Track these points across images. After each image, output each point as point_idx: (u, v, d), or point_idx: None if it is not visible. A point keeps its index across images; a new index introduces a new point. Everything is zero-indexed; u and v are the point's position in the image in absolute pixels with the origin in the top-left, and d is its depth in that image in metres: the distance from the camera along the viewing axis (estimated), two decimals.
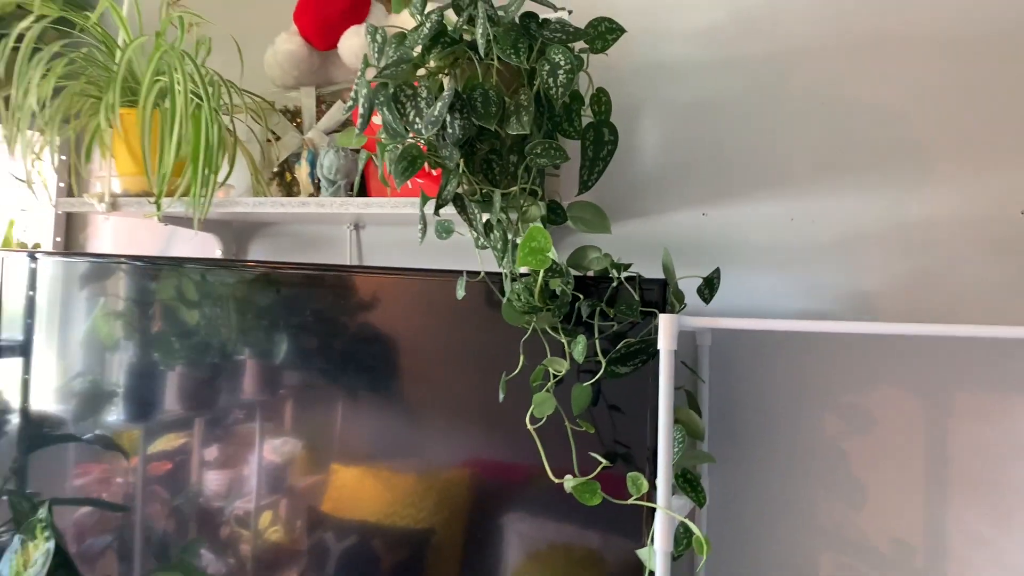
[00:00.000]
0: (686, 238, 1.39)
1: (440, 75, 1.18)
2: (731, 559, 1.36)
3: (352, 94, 1.17)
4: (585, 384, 1.18)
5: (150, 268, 1.48)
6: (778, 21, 1.37)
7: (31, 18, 1.33)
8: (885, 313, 1.30)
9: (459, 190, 1.14)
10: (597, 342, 1.16)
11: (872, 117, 1.32)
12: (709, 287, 1.21)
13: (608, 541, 1.20)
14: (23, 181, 1.45)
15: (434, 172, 1.31)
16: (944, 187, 1.27)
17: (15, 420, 1.62)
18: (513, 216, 1.11)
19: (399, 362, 1.33)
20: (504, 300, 1.13)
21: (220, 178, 1.38)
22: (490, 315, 1.25)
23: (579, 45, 1.27)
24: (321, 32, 1.44)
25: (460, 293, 1.21)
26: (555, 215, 1.15)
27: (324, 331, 1.38)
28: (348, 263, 1.62)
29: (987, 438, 1.24)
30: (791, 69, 1.36)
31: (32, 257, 1.60)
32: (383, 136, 1.16)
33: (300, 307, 1.40)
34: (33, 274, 1.59)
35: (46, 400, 1.60)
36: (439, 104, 1.06)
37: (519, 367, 1.20)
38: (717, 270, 1.21)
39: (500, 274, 1.19)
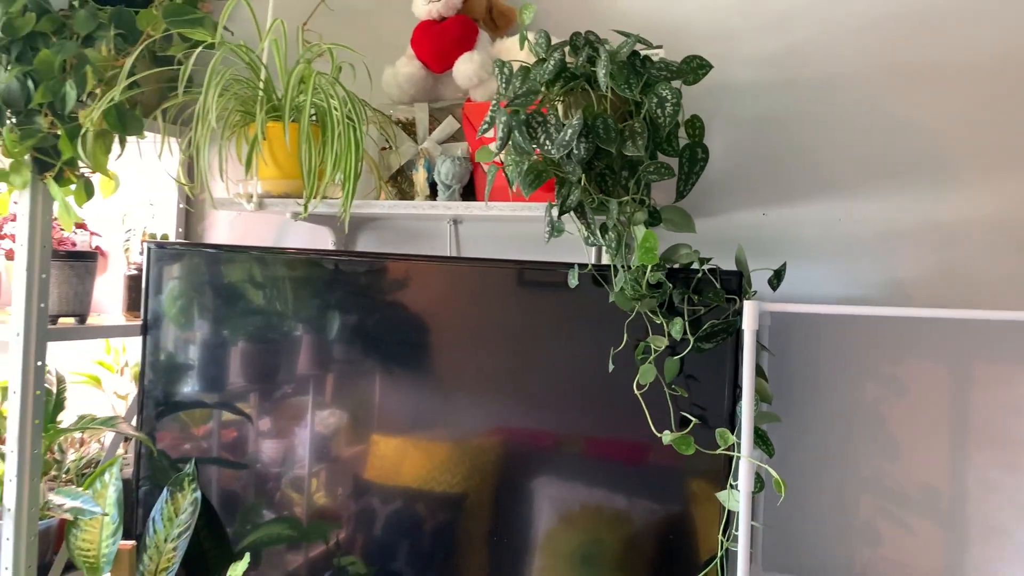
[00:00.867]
0: (749, 234, 1.65)
1: (556, 102, 1.43)
2: (786, 503, 1.63)
3: (487, 118, 1.41)
4: (675, 357, 1.44)
5: (304, 258, 1.73)
6: (827, 49, 1.62)
7: (200, 45, 1.58)
8: (917, 299, 1.56)
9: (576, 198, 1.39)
10: (687, 323, 1.42)
11: (907, 132, 1.57)
12: (778, 277, 1.46)
13: (687, 491, 1.47)
14: (183, 183, 1.69)
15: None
16: (969, 192, 1.53)
17: (170, 387, 1.87)
18: (623, 220, 1.36)
19: (517, 339, 1.58)
20: (616, 289, 1.38)
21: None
22: (580, 302, 1.51)
23: None
24: (437, 58, 1.67)
25: (573, 282, 1.46)
26: (653, 218, 1.40)
27: (459, 317, 1.64)
28: (448, 254, 1.87)
29: (1001, 402, 1.51)
30: (838, 90, 1.61)
31: (174, 246, 1.84)
32: (510, 154, 1.40)
33: (428, 293, 1.65)
34: (180, 260, 1.84)
35: (186, 372, 1.84)
36: (569, 131, 1.30)
37: (623, 343, 1.46)
38: (784, 264, 1.47)
39: (596, 265, 1.44)
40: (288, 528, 1.75)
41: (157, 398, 1.86)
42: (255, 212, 1.84)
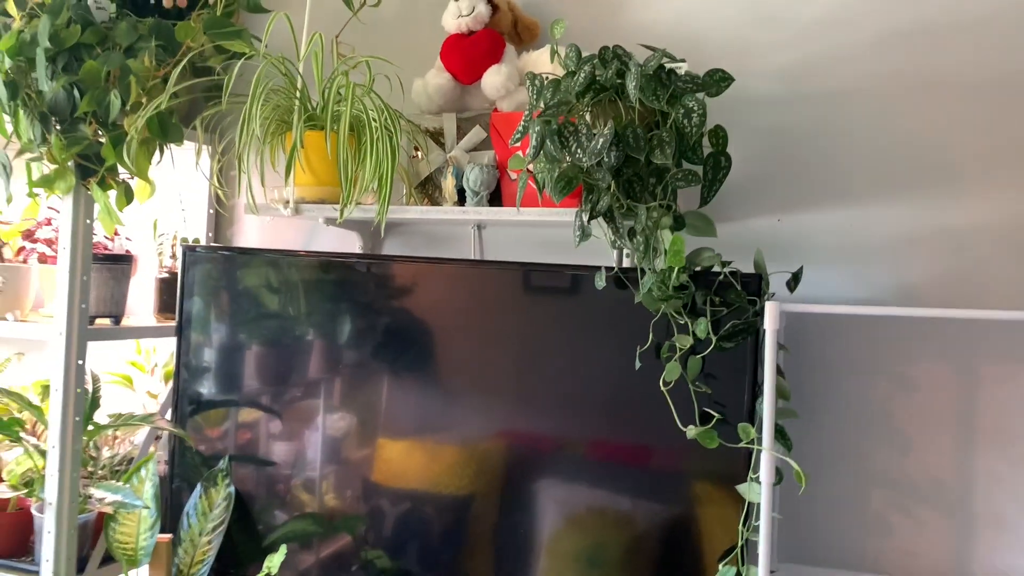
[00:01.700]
0: (765, 239, 1.72)
1: (585, 112, 1.50)
2: (801, 496, 1.70)
3: (520, 127, 1.49)
4: (698, 356, 1.51)
5: (343, 262, 1.80)
6: (839, 64, 1.70)
7: (242, 57, 1.65)
8: (927, 302, 1.64)
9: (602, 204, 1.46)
10: (709, 323, 1.49)
11: (917, 142, 1.65)
12: (795, 280, 1.54)
13: (708, 485, 1.54)
14: (219, 188, 1.76)
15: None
16: (975, 201, 1.61)
17: (204, 387, 1.93)
18: (650, 224, 1.43)
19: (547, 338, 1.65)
20: (644, 290, 1.46)
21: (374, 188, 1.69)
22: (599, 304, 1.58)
23: None
24: (466, 70, 1.75)
25: (600, 283, 1.53)
26: (678, 223, 1.48)
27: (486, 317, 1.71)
28: (472, 257, 1.94)
29: (1007, 398, 1.59)
30: (850, 103, 1.69)
31: (212, 249, 1.91)
32: (541, 162, 1.48)
33: (460, 294, 1.72)
34: (221, 264, 1.90)
35: (219, 372, 1.90)
36: (600, 140, 1.38)
37: (648, 342, 1.53)
38: (801, 268, 1.55)
39: (620, 268, 1.52)
40: (315, 524, 1.81)
41: (191, 397, 1.92)
42: (285, 218, 1.91)
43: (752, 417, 1.51)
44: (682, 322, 1.49)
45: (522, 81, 1.73)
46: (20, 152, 1.72)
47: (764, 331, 1.42)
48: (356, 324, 1.78)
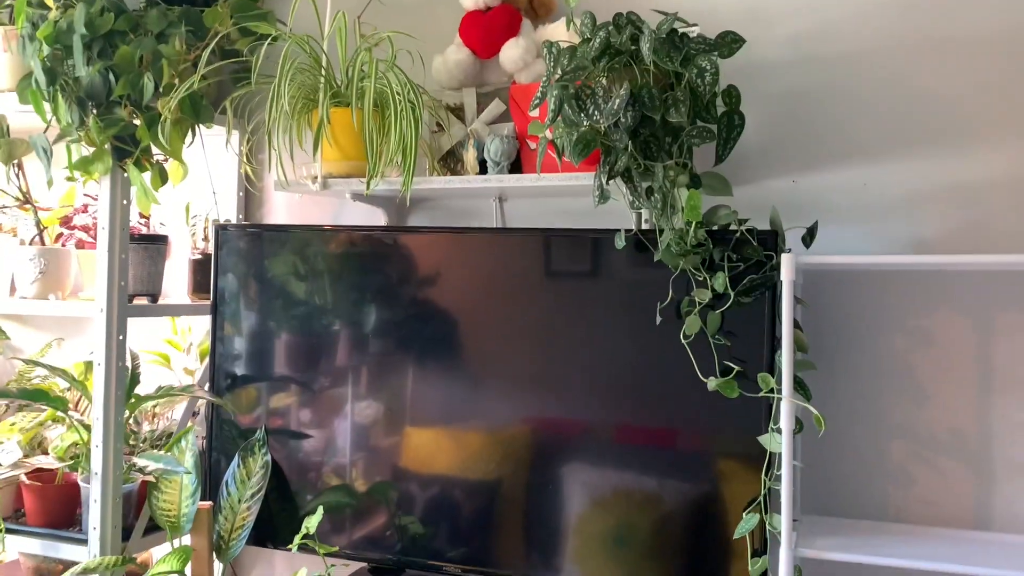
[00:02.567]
0: (780, 200, 1.76)
1: (601, 77, 1.55)
2: (821, 449, 1.74)
3: (538, 94, 1.54)
4: (717, 311, 1.55)
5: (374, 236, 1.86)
6: (851, 26, 1.74)
7: (266, 39, 1.71)
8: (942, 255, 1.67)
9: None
10: (727, 278, 1.53)
11: (929, 101, 1.69)
12: (810, 235, 1.58)
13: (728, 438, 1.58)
14: (249, 166, 1.82)
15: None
16: (988, 156, 1.65)
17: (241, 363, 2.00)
18: (667, 183, 1.48)
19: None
20: (663, 247, 1.50)
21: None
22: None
23: None
24: (485, 45, 1.80)
25: (620, 244, 1.58)
26: (694, 182, 1.52)
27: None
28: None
29: (1023, 347, 1.62)
30: (863, 64, 1.73)
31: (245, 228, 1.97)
32: (560, 127, 1.53)
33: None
34: (253, 242, 1.97)
35: (253, 347, 1.97)
36: (617, 101, 1.43)
37: (668, 299, 1.58)
38: (816, 223, 1.59)
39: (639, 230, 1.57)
40: (348, 496, 1.87)
41: (226, 372, 1.98)
42: (312, 195, 1.97)
43: (772, 370, 1.55)
44: (700, 278, 1.54)
45: (539, 54, 1.78)
46: (60, 136, 1.79)
47: (781, 284, 1.47)
48: (385, 296, 1.84)
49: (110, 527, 1.80)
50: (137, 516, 1.91)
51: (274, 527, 1.92)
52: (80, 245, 2.11)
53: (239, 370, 1.97)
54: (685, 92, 1.43)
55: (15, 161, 1.97)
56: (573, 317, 1.70)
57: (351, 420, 1.87)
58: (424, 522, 1.82)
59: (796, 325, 1.65)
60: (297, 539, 1.71)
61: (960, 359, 1.66)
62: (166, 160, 1.87)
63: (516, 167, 1.83)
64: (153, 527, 1.91)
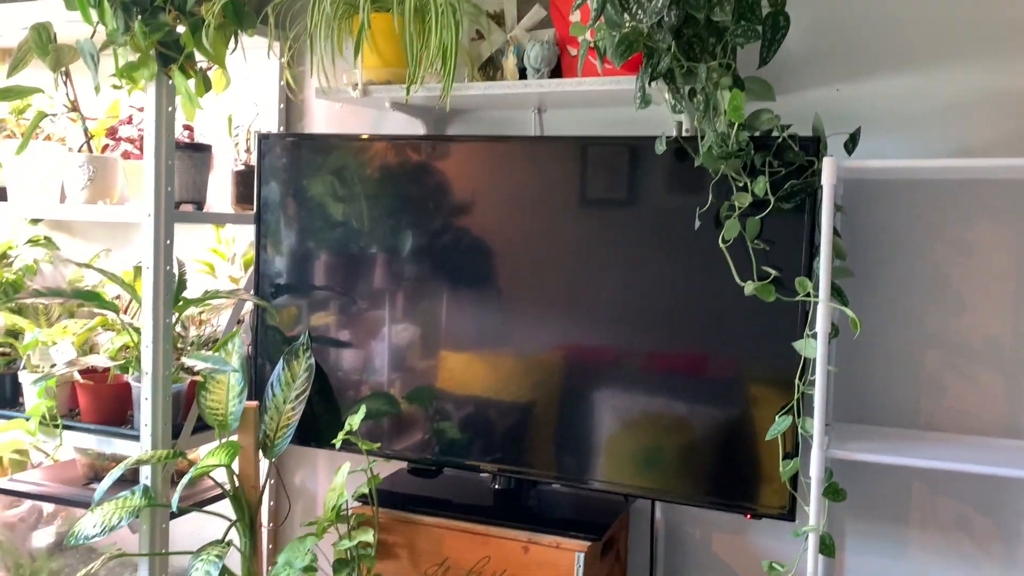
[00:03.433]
0: (822, 108, 1.74)
1: None
2: (855, 358, 1.76)
3: None
4: (756, 217, 1.56)
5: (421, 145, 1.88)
6: None
7: None
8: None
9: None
10: (768, 182, 1.53)
11: (977, 5, 1.65)
12: (853, 141, 1.57)
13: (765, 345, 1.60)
14: (290, 71, 1.83)
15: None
16: None
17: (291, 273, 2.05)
18: (710, 84, 1.48)
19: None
20: (704, 150, 1.51)
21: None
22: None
23: None
24: None
25: (660, 148, 1.58)
26: (737, 84, 1.51)
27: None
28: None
29: None
30: None
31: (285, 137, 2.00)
32: (602, 29, 1.52)
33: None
34: (294, 150, 2.00)
35: (296, 255, 2.01)
36: (661, 0, 1.42)
37: (707, 204, 1.58)
38: (859, 129, 1.58)
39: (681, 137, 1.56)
40: (387, 403, 1.92)
41: (271, 279, 2.03)
42: (352, 106, 1.99)
43: (810, 276, 1.56)
44: (741, 183, 1.54)
45: None
46: (106, 43, 1.82)
47: (822, 190, 1.47)
48: (425, 203, 1.86)
49: (160, 424, 1.87)
50: (186, 416, 1.98)
51: (317, 428, 1.99)
52: (126, 156, 2.15)
53: (282, 279, 2.02)
54: None
55: (63, 69, 2.00)
56: (611, 232, 1.72)
57: (393, 327, 1.92)
58: (461, 428, 1.87)
59: (835, 232, 1.65)
60: (341, 435, 1.77)
61: (999, 270, 1.66)
62: (209, 68, 1.89)
63: (556, 73, 1.82)
64: (202, 427, 1.99)
